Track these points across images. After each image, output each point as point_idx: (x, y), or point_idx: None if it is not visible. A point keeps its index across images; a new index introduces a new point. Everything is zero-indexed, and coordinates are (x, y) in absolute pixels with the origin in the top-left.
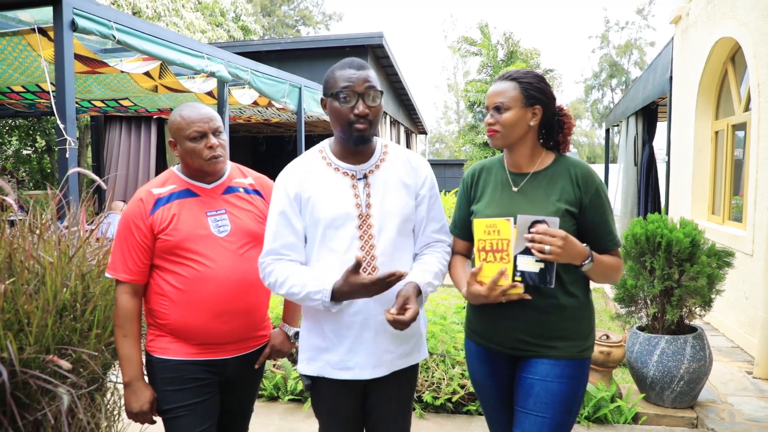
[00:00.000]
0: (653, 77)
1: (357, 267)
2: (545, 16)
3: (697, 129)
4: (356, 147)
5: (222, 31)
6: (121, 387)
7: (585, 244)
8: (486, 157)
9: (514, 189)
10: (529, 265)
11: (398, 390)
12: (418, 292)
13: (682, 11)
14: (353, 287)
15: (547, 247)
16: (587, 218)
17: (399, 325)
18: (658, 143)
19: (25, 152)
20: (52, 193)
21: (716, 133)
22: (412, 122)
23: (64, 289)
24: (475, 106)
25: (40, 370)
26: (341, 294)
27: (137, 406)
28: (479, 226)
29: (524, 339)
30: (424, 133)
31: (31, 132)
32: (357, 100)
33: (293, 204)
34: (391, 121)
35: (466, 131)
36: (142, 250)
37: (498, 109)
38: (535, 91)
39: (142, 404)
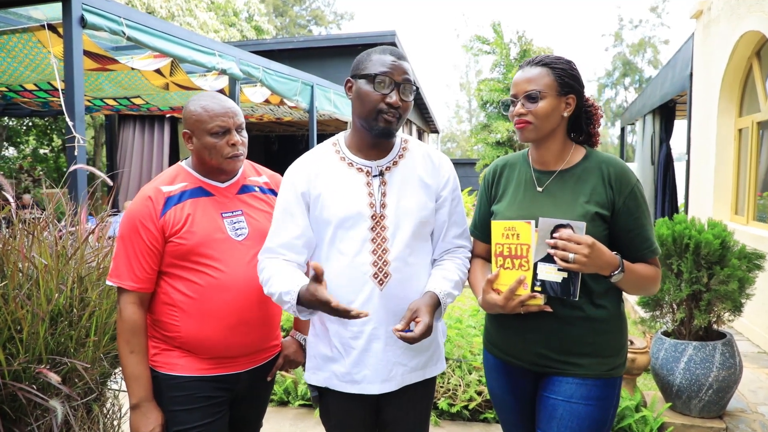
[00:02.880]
0: (672, 74)
1: (317, 277)
2: (558, 15)
3: (720, 126)
4: (377, 140)
5: (235, 30)
6: (122, 395)
7: (615, 253)
8: (499, 157)
9: (539, 189)
10: (551, 274)
11: (414, 404)
12: (437, 303)
13: (704, 6)
14: (312, 299)
15: (571, 255)
16: (620, 223)
17: (408, 341)
18: (676, 142)
19: (42, 151)
20: (58, 192)
21: (740, 130)
22: (425, 121)
23: (57, 294)
24: (488, 105)
25: (31, 380)
26: (306, 302)
27: (146, 430)
28: (497, 228)
29: (546, 354)
30: (436, 132)
31: (48, 131)
32: (393, 89)
33: (300, 201)
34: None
35: (479, 130)
36: (150, 254)
37: (531, 97)
38: (570, 78)
39: (153, 428)
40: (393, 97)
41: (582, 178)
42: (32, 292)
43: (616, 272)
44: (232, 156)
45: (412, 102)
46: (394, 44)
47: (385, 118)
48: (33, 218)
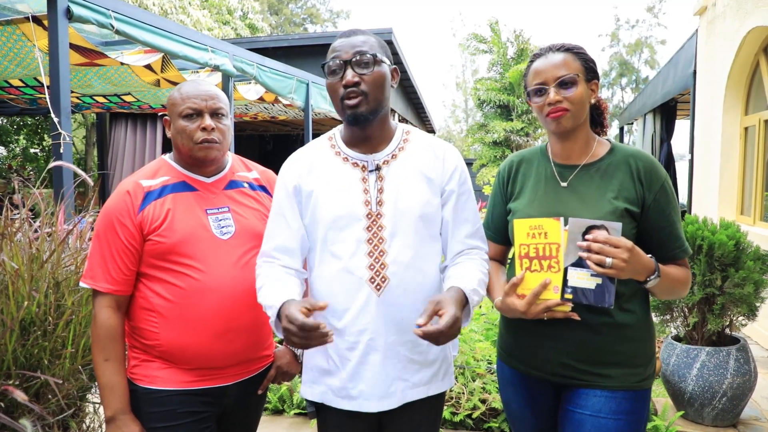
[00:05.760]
0: (674, 72)
1: (310, 307)
2: (555, 14)
3: (725, 125)
4: (357, 128)
5: (229, 28)
6: (102, 410)
7: (650, 255)
8: (496, 156)
9: (563, 184)
10: (583, 280)
11: (419, 423)
12: (463, 299)
13: (708, 2)
14: (288, 321)
15: (608, 260)
16: (651, 220)
17: (432, 337)
18: (677, 141)
19: (32, 150)
20: (35, 191)
21: (746, 128)
22: (421, 121)
23: (29, 301)
24: (484, 105)
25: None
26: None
27: None
28: (521, 227)
29: (570, 364)
30: (433, 131)
31: (39, 130)
32: (345, 69)
33: (291, 200)
34: (399, 119)
35: (475, 130)
36: (128, 254)
37: (565, 83)
38: (592, 63)
39: None
40: (347, 77)
41: (608, 173)
42: (0, 298)
43: (652, 277)
44: (202, 141)
45: (380, 71)
46: (390, 42)
47: (347, 103)
48: (3, 218)
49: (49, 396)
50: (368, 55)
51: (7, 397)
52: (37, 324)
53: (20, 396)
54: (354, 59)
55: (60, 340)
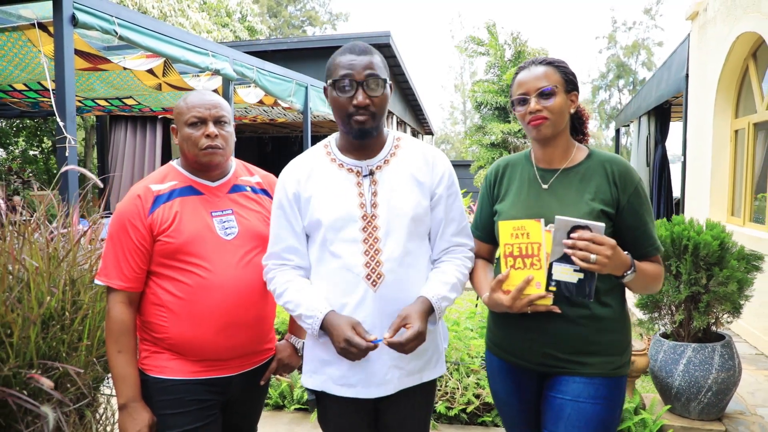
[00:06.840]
0: (667, 75)
1: (359, 327)
2: (552, 17)
3: (716, 128)
4: (358, 141)
5: (228, 31)
6: (114, 401)
7: (627, 252)
8: (494, 158)
9: (544, 186)
10: (567, 274)
11: (413, 409)
12: (429, 308)
13: (700, 7)
14: (338, 335)
15: (592, 257)
16: (625, 221)
17: (398, 347)
18: (671, 143)
19: (31, 153)
20: (49, 194)
21: (736, 131)
22: (419, 123)
23: (49, 297)
24: (482, 107)
25: (22, 386)
26: (328, 330)
27: (134, 430)
28: (505, 228)
29: (552, 354)
30: (431, 133)
31: (38, 133)
32: (356, 89)
33: (292, 204)
34: (397, 122)
35: (473, 132)
36: (139, 253)
37: (545, 94)
38: (572, 76)
39: (140, 429)
40: (359, 98)
41: (586, 177)
42: (23, 295)
43: (629, 272)
44: (207, 148)
45: (386, 93)
46: (388, 45)
47: (357, 120)
48: (24, 220)
49: (68, 385)
50: (380, 79)
51: (29, 386)
52: (55, 318)
53: (46, 383)
54: (366, 81)
55: (76, 333)
